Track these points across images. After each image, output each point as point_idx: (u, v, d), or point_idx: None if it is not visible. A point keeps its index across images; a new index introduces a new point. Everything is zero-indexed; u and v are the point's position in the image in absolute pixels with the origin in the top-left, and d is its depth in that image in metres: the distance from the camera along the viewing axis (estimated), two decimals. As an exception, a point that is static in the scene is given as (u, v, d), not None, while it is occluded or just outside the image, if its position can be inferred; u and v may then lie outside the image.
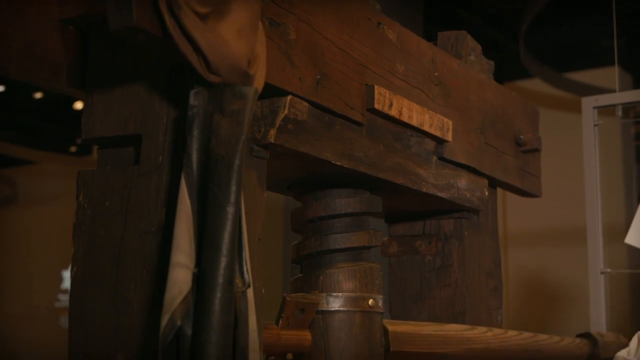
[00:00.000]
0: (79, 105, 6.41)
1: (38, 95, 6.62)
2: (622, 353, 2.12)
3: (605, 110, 3.40)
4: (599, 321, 3.21)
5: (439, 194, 2.04)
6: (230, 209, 1.26)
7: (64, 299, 7.45)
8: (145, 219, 1.41)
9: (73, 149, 7.40)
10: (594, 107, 3.34)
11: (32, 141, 7.10)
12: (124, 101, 1.49)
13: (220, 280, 1.22)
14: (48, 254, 7.48)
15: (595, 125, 3.33)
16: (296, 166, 1.76)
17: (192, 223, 1.27)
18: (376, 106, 1.78)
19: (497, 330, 2.22)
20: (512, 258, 4.62)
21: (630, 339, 2.51)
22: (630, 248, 3.16)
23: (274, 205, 4.99)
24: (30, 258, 7.73)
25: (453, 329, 2.07)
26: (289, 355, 1.73)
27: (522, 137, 2.41)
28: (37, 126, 6.99)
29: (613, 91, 3.41)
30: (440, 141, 2.03)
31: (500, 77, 2.45)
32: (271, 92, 1.53)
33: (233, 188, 1.27)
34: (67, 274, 7.24)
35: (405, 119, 1.88)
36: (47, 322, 7.55)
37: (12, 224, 7.93)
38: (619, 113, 3.35)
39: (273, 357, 1.72)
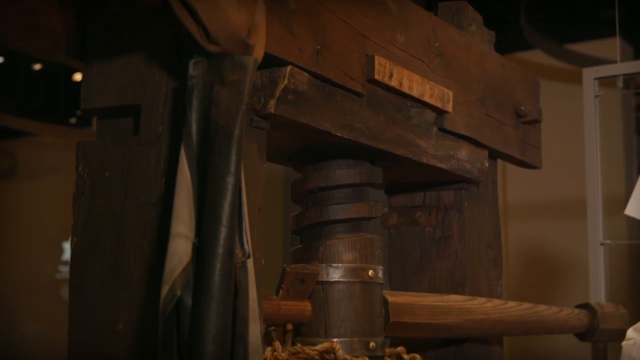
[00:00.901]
0: (78, 76, 6.38)
1: (37, 66, 6.60)
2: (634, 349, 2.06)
3: (606, 82, 3.39)
4: (598, 292, 3.22)
5: (439, 165, 2.03)
6: (230, 179, 1.26)
7: (65, 270, 7.47)
8: (145, 189, 1.41)
9: (73, 120, 7.38)
10: (595, 78, 3.34)
11: (31, 113, 7.08)
12: (123, 71, 1.48)
13: (220, 250, 1.22)
14: (48, 226, 7.49)
15: (595, 96, 3.32)
16: (296, 137, 1.75)
17: (192, 193, 1.27)
18: (376, 77, 1.78)
19: (496, 301, 2.22)
20: (512, 230, 4.63)
21: (630, 310, 2.51)
22: (630, 219, 3.17)
23: (273, 176, 4.99)
24: (30, 230, 7.74)
25: (453, 300, 2.08)
26: (289, 326, 1.74)
27: (522, 108, 2.41)
28: (36, 98, 6.97)
29: (614, 62, 3.40)
30: (440, 112, 2.02)
31: (501, 48, 2.44)
32: (271, 62, 1.53)
33: (233, 158, 1.27)
34: (67, 246, 7.25)
35: (405, 89, 1.87)
36: (48, 294, 7.58)
37: (12, 196, 7.94)
38: (620, 84, 3.34)
39: (273, 328, 1.72)
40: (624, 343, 2.11)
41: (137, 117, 1.47)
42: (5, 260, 7.97)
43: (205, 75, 1.32)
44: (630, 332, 2.11)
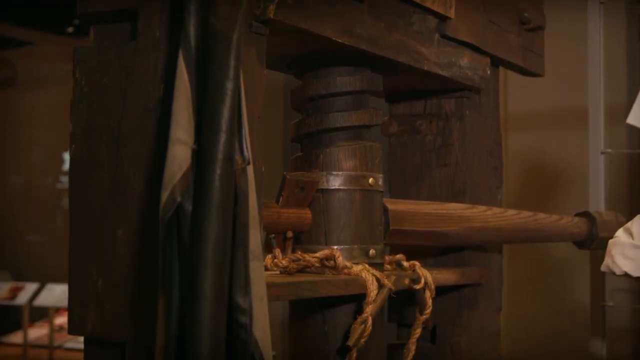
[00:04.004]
0: (74, -16, 6.28)
1: (33, -26, 6.49)
2: (625, 239, 2.09)
3: (611, -11, 3.34)
4: (598, 201, 3.23)
5: (440, 72, 2.01)
6: (229, 85, 1.24)
7: (66, 180, 7.49)
8: (144, 95, 1.39)
9: (70, 29, 7.30)
10: (601, -15, 3.28)
11: (29, 22, 6.99)
12: (119, -24, 1.45)
13: (220, 156, 1.22)
14: (49, 136, 7.48)
15: (601, 2, 3.27)
16: (296, 44, 1.73)
17: (191, 99, 1.25)
18: (378, -19, 1.74)
19: (496, 209, 2.23)
20: (513, 139, 4.62)
21: (628, 219, 2.52)
22: (631, 129, 3.16)
23: (273, 83, 4.94)
24: (30, 140, 7.73)
25: (453, 208, 2.08)
26: (289, 233, 1.74)
27: (526, 14, 2.37)
28: (33, 6, 6.87)
29: (620, -32, 3.34)
30: (442, 18, 1.99)
31: (505, -47, 2.40)
32: (270, -35, 1.50)
33: (232, 63, 1.25)
34: (68, 156, 7.26)
35: (407, -6, 1.84)
36: (49, 204, 7.62)
37: (12, 106, 7.91)
38: (625, -9, 3.29)
39: (273, 235, 1.73)
40: (610, 241, 2.13)
41: (134, 23, 1.44)
42: (5, 170, 7.99)
43: (203, -21, 1.30)
44: (619, 232, 2.13)
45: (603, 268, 2.11)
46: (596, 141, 3.25)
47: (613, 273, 2.08)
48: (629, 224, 2.10)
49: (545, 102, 4.45)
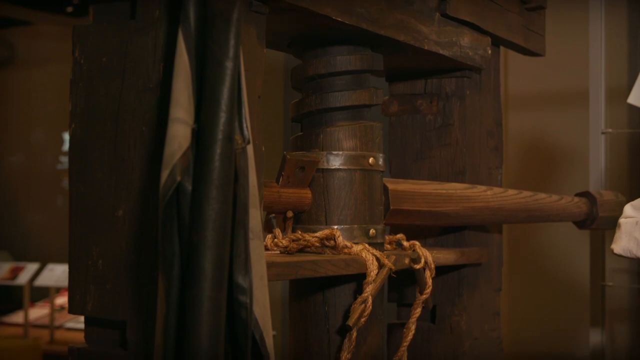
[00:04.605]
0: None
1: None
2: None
3: (612, -32, 3.32)
4: (598, 181, 3.23)
5: (441, 51, 2.01)
6: (229, 64, 1.24)
7: (66, 160, 7.49)
8: (143, 75, 1.39)
9: (69, 9, 7.27)
10: (602, -36, 3.27)
11: (27, 1, 6.96)
12: (118, -46, 1.44)
13: (220, 136, 1.21)
14: (48, 116, 7.48)
15: (602, -18, 3.26)
16: (296, 23, 1.72)
17: (191, 79, 1.25)
18: (378, -40, 1.73)
19: (496, 189, 2.22)
20: (514, 119, 4.61)
21: (628, 198, 2.52)
22: (631, 109, 3.15)
23: (274, 63, 4.93)
24: (30, 121, 7.73)
25: (453, 188, 2.08)
26: (289, 213, 1.74)
27: (527, -7, 2.36)
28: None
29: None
30: (443, -3, 1.99)
31: None
32: (270, -56, 1.49)
33: (232, 42, 1.25)
34: (68, 137, 7.24)
35: (407, -27, 1.83)
36: (49, 184, 7.62)
37: (11, 86, 7.89)
38: (627, -30, 3.27)
39: (273, 215, 1.73)
40: (622, 220, 2.07)
41: (133, 1, 1.43)
42: (5, 151, 7.98)
43: (202, -42, 1.29)
44: (628, 210, 2.07)
45: (622, 252, 2.00)
46: (597, 121, 3.25)
47: (636, 257, 1.98)
48: (637, 201, 2.01)
49: (546, 82, 4.44)
